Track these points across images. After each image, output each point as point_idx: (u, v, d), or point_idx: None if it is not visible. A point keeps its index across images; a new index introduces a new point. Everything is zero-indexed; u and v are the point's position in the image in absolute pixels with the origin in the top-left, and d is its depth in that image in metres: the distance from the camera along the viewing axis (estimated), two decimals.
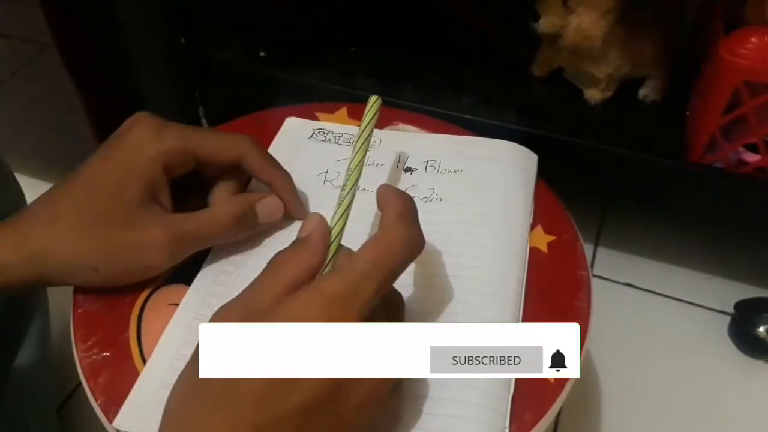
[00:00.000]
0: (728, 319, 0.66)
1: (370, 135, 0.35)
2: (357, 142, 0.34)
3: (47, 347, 0.52)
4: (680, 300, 0.68)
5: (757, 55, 0.50)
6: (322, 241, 0.31)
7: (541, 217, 0.44)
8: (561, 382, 0.35)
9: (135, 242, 0.36)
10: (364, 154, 0.34)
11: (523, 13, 0.61)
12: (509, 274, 0.39)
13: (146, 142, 0.36)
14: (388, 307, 0.32)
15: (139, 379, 0.34)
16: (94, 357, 0.35)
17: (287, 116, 0.51)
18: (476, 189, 0.44)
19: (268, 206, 0.40)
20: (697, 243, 0.71)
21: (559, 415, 0.39)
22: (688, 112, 0.62)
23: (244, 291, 0.29)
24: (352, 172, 0.33)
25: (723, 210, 0.61)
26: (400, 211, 0.31)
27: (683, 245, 0.71)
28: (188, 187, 0.40)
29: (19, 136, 0.76)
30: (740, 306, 0.65)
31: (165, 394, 0.29)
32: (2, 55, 0.68)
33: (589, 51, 0.61)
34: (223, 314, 0.29)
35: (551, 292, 0.40)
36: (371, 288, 0.28)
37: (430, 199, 0.44)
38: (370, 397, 0.28)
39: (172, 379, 0.29)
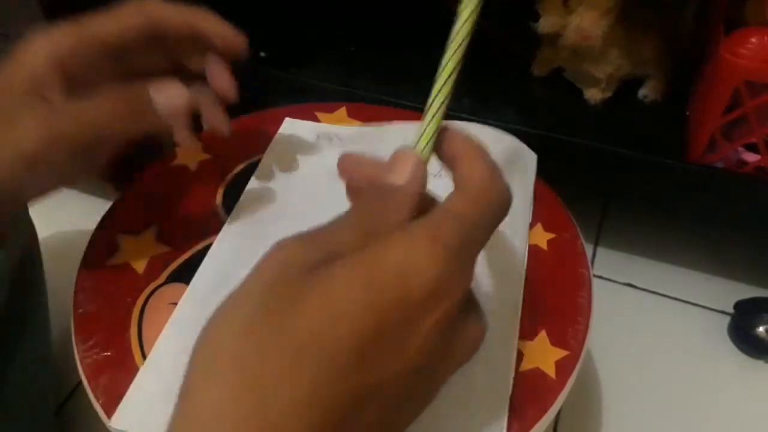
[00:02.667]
0: (728, 319, 0.66)
1: (470, 31, 0.30)
2: (455, 37, 0.30)
3: (47, 347, 0.52)
4: (680, 300, 0.68)
5: (757, 55, 0.51)
6: (419, 193, 0.26)
7: (541, 215, 0.44)
8: (563, 379, 0.35)
9: (7, 135, 0.31)
10: (461, 59, 0.29)
11: (523, 13, 0.61)
12: (509, 272, 0.39)
13: (37, 42, 0.33)
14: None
15: (137, 378, 0.34)
16: (94, 357, 0.35)
17: (287, 116, 0.51)
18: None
19: (166, 89, 0.34)
20: (697, 243, 0.71)
21: (558, 414, 0.39)
22: (688, 112, 0.62)
23: (316, 230, 0.24)
24: (444, 81, 0.29)
25: (723, 210, 0.61)
26: (485, 162, 0.26)
27: (683, 245, 0.72)
28: None
29: None
30: (740, 306, 0.65)
31: (163, 394, 0.28)
32: (2, 55, 0.68)
33: (589, 51, 0.61)
34: (290, 246, 0.23)
35: (552, 290, 0.40)
36: (482, 242, 0.24)
37: (437, 175, 0.44)
38: (460, 365, 0.25)
39: (171, 379, 0.28)
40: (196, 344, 0.22)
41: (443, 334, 0.23)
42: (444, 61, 0.29)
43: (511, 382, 0.35)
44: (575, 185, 0.50)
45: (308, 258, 0.22)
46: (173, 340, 0.36)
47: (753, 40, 0.51)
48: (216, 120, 0.40)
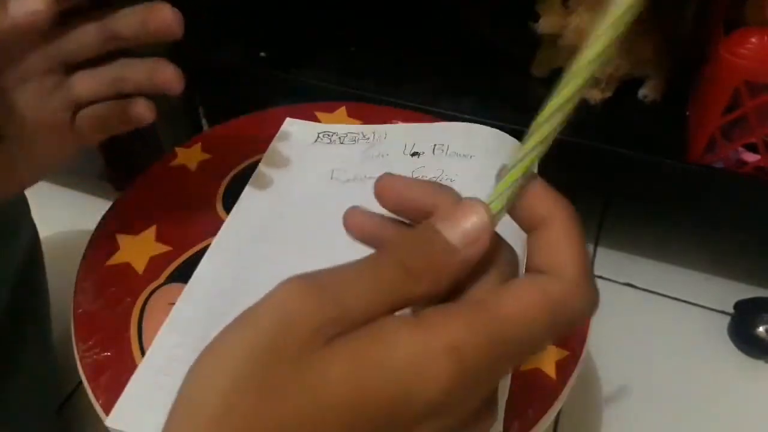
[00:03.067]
0: (728, 319, 0.66)
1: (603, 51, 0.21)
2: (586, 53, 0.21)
3: (49, 348, 0.52)
4: (680, 300, 0.68)
5: (757, 55, 0.51)
6: (474, 262, 0.20)
7: None
8: (563, 379, 0.35)
9: None
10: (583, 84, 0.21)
11: (523, 13, 0.61)
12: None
13: None
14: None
15: (133, 377, 0.34)
16: (94, 357, 0.35)
17: (287, 116, 0.51)
18: (486, 177, 0.44)
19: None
20: (697, 243, 0.71)
21: (559, 414, 0.39)
22: (688, 112, 0.62)
23: (343, 276, 0.19)
24: (554, 112, 0.22)
25: (723, 210, 0.61)
26: (584, 254, 0.21)
27: (683, 245, 0.71)
28: None
29: None
30: (740, 306, 0.65)
31: (159, 393, 0.28)
32: None
33: None
34: (300, 301, 0.19)
35: None
36: (517, 359, 0.20)
37: (439, 179, 0.44)
38: None
39: (167, 378, 0.28)
40: (183, 383, 0.19)
41: None
42: (560, 95, 0.22)
43: (508, 383, 0.34)
44: (575, 185, 0.49)
45: (314, 319, 0.18)
46: (170, 340, 0.36)
47: (753, 40, 0.51)
48: (165, 74, 0.37)
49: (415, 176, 0.42)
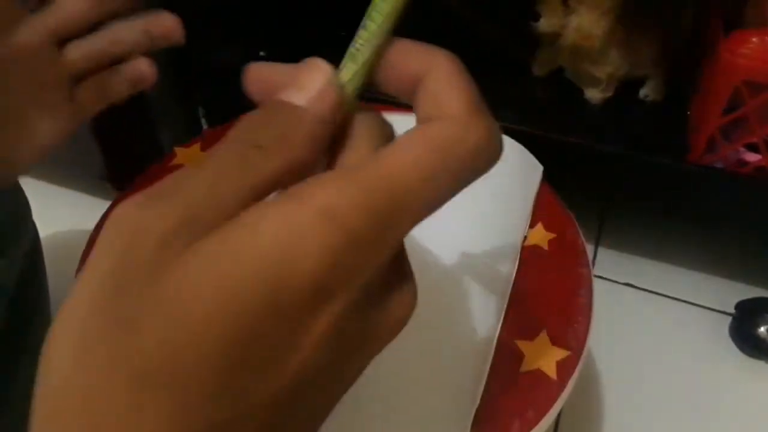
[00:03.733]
0: (729, 319, 0.65)
1: None
2: None
3: None
4: (680, 300, 0.68)
5: (757, 55, 0.50)
6: (326, 122, 0.18)
7: (542, 215, 0.44)
8: (564, 380, 0.35)
9: None
10: None
11: (523, 13, 0.61)
12: (495, 281, 0.39)
13: None
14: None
15: None
16: None
17: None
18: (475, 190, 0.44)
19: None
20: (697, 243, 0.71)
21: (559, 414, 0.39)
22: (688, 112, 0.62)
23: (184, 174, 0.17)
24: None
25: (723, 210, 0.61)
26: (469, 92, 0.19)
27: (683, 245, 0.71)
28: None
29: None
30: (741, 306, 0.65)
31: None
32: None
33: (589, 51, 0.61)
34: (149, 205, 0.16)
35: (552, 289, 0.40)
36: (415, 210, 0.17)
37: None
38: (375, 351, 0.18)
39: None
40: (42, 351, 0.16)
41: (344, 331, 0.16)
42: None
43: (487, 367, 0.34)
44: (575, 185, 0.49)
45: (157, 229, 0.15)
46: None
47: (753, 40, 0.51)
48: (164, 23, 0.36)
49: None
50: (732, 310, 0.65)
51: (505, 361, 0.36)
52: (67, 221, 0.65)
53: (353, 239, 0.15)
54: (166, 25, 0.36)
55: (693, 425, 0.58)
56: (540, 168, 0.47)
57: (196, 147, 0.49)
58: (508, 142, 0.47)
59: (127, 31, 0.36)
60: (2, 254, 0.47)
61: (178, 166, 0.48)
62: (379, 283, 0.17)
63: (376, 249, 0.16)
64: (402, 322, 0.18)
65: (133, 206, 0.16)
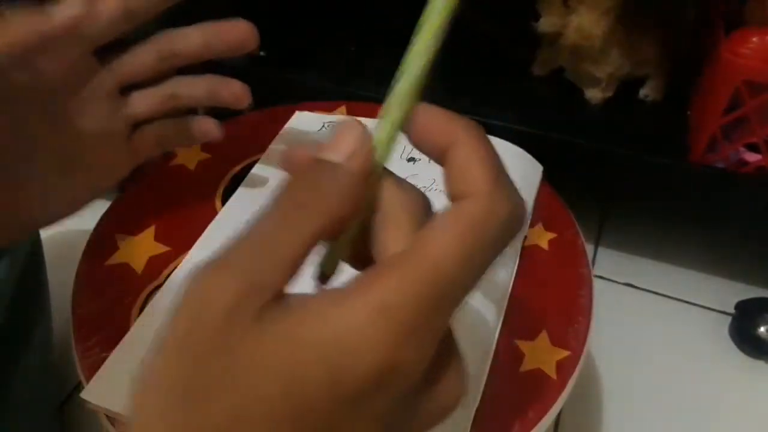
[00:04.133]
0: (729, 319, 0.65)
1: None
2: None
3: (49, 348, 0.52)
4: (680, 300, 0.68)
5: (758, 55, 0.50)
6: (362, 176, 0.20)
7: (542, 214, 0.44)
8: (563, 380, 0.35)
9: None
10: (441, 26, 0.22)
11: (523, 13, 0.61)
12: (494, 281, 0.39)
13: None
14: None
15: (111, 355, 0.35)
16: (94, 357, 0.35)
17: (286, 115, 0.52)
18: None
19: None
20: (697, 243, 0.71)
21: (559, 414, 0.39)
22: (688, 112, 0.62)
23: (244, 247, 0.18)
24: (419, 50, 0.22)
25: (723, 210, 0.61)
26: (493, 166, 0.19)
27: (683, 245, 0.71)
28: None
29: None
30: (741, 306, 0.65)
31: (135, 372, 0.29)
32: None
33: (589, 51, 0.61)
34: (216, 282, 0.18)
35: (552, 289, 0.40)
36: (460, 294, 0.18)
37: (429, 189, 0.44)
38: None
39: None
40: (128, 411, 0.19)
41: (394, 414, 0.18)
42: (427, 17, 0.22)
43: (485, 374, 0.34)
44: (575, 185, 0.49)
45: (224, 299, 0.17)
46: (149, 322, 0.36)
47: (753, 40, 0.51)
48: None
49: None
50: (732, 310, 0.65)
51: (505, 360, 0.36)
52: (67, 221, 0.65)
53: (406, 332, 0.17)
54: (233, 91, 0.39)
55: (693, 425, 0.58)
56: (540, 168, 0.47)
57: (196, 147, 0.49)
58: (506, 143, 0.47)
59: (193, 88, 0.39)
60: (2, 254, 0.47)
61: (179, 166, 0.48)
62: (424, 378, 0.18)
63: (426, 336, 0.18)
64: (449, 409, 0.20)
65: (200, 278, 0.18)
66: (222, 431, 0.17)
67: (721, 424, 0.58)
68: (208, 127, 0.40)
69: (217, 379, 0.17)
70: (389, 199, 0.20)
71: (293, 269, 0.18)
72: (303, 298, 0.18)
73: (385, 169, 0.21)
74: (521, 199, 0.19)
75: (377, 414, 0.17)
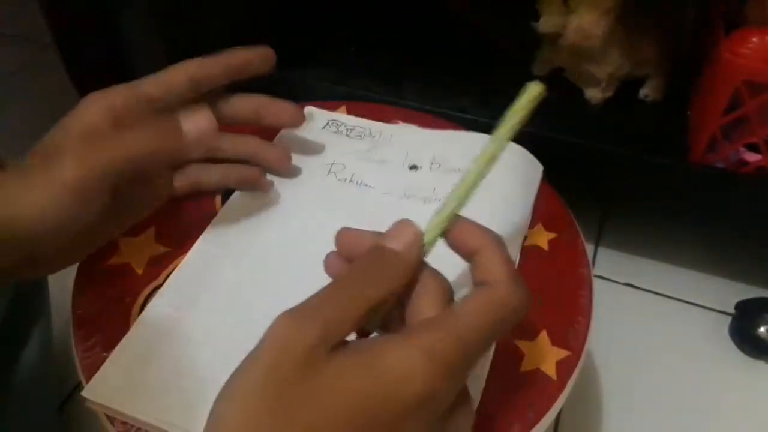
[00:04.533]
0: (729, 319, 0.65)
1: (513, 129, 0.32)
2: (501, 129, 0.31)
3: (49, 350, 0.52)
4: (680, 300, 0.68)
5: (758, 55, 0.50)
6: (416, 263, 0.26)
7: (542, 214, 0.44)
8: (563, 380, 0.35)
9: (52, 171, 0.31)
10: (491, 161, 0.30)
11: (523, 13, 0.61)
12: None
13: (91, 98, 0.36)
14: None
15: (111, 356, 0.35)
16: (94, 357, 0.35)
17: None
18: (478, 192, 0.44)
19: (192, 115, 0.40)
20: (697, 243, 0.71)
21: (559, 414, 0.39)
22: (688, 112, 0.62)
23: (319, 302, 0.25)
24: (467, 184, 0.29)
25: (723, 210, 0.61)
26: (511, 265, 0.27)
27: (683, 245, 0.71)
28: None
29: (19, 136, 0.76)
30: (741, 306, 0.65)
31: (134, 373, 0.32)
32: (2, 55, 0.68)
33: (589, 51, 0.61)
34: (296, 328, 0.23)
35: (552, 290, 0.40)
36: (479, 353, 0.25)
37: (429, 199, 0.44)
38: None
39: (141, 363, 0.32)
40: (208, 421, 0.23)
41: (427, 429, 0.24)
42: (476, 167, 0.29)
43: (481, 390, 0.34)
44: (575, 185, 0.49)
45: (305, 341, 0.23)
46: (149, 322, 0.37)
47: (753, 40, 0.51)
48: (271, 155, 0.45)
49: (407, 194, 0.43)
50: (732, 310, 0.65)
51: (505, 361, 0.36)
52: None
53: (446, 372, 0.23)
54: (274, 156, 0.45)
55: (692, 425, 0.58)
56: (540, 168, 0.47)
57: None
58: (510, 143, 0.47)
59: (236, 146, 0.44)
60: None
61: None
62: (451, 404, 0.24)
63: (459, 377, 0.24)
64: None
65: (285, 323, 0.24)
66: None
67: (721, 424, 0.58)
68: (250, 175, 0.44)
69: (299, 400, 0.22)
70: (427, 278, 0.27)
71: (357, 324, 0.24)
72: (366, 340, 0.25)
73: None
74: (528, 292, 0.26)
75: (419, 427, 0.23)
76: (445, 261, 0.28)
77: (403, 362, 0.23)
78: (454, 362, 0.23)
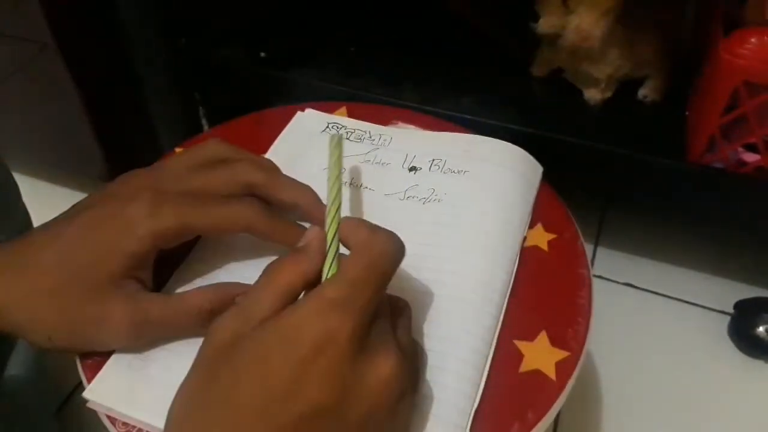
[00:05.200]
0: (728, 319, 0.66)
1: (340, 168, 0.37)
2: (330, 176, 0.36)
3: (42, 352, 0.51)
4: (680, 300, 0.68)
5: (757, 55, 0.51)
6: (319, 249, 0.31)
7: (541, 215, 0.44)
8: (563, 380, 0.35)
9: (93, 318, 0.33)
10: (340, 185, 0.35)
11: (523, 13, 0.61)
12: (494, 284, 0.39)
13: (141, 219, 0.33)
14: (395, 314, 0.32)
15: (114, 355, 0.35)
16: (94, 357, 0.35)
17: (286, 116, 0.52)
18: (475, 193, 0.44)
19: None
20: (697, 243, 0.71)
21: (559, 414, 0.39)
22: (687, 112, 0.62)
23: (242, 299, 0.30)
24: (333, 185, 0.35)
25: (723, 210, 0.61)
26: (366, 227, 0.32)
27: (683, 245, 0.72)
28: None
29: (19, 136, 0.76)
30: (740, 306, 0.65)
31: (137, 372, 0.33)
32: (2, 55, 0.68)
33: (588, 51, 0.61)
34: (222, 323, 0.29)
35: (552, 290, 0.40)
36: (368, 291, 0.28)
37: (429, 200, 0.44)
38: (377, 406, 0.28)
39: (144, 359, 0.33)
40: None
41: (335, 376, 0.27)
42: (330, 190, 0.34)
43: (478, 394, 0.34)
44: (575, 185, 0.50)
45: (236, 330, 0.28)
46: None
47: (753, 40, 0.51)
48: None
49: (407, 195, 0.43)
50: (731, 310, 0.66)
51: (505, 361, 0.36)
52: None
53: (336, 307, 0.28)
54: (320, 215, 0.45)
55: (692, 424, 0.58)
56: (540, 169, 0.47)
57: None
58: (507, 144, 0.47)
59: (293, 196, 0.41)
60: None
61: None
62: (355, 348, 0.28)
63: (351, 311, 0.28)
64: (385, 382, 0.28)
65: (218, 320, 0.29)
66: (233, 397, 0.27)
67: (720, 423, 0.58)
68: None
69: (224, 372, 0.28)
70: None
71: (275, 305, 0.29)
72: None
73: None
74: (389, 236, 0.31)
75: (323, 372, 0.27)
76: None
77: (299, 314, 0.28)
78: (340, 298, 0.27)
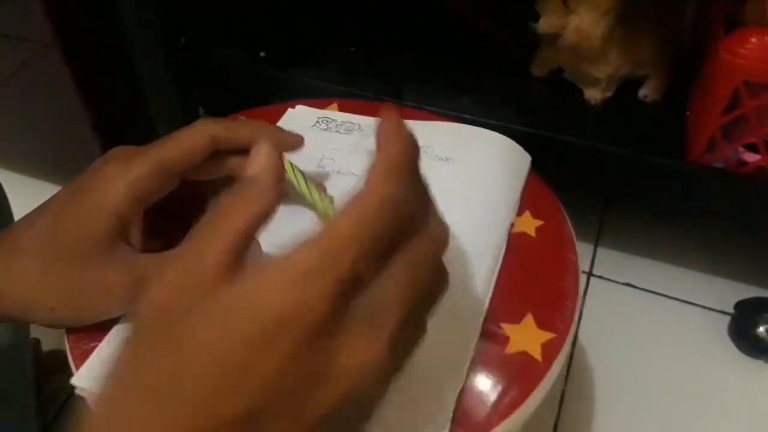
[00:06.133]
0: (728, 318, 0.66)
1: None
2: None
3: (22, 353, 0.51)
4: (680, 300, 0.68)
5: (757, 56, 0.51)
6: (274, 179, 0.25)
7: (529, 203, 0.44)
8: (549, 361, 0.35)
9: (89, 285, 0.33)
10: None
11: (523, 13, 0.61)
12: (479, 268, 0.39)
13: (114, 174, 0.34)
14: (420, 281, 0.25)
15: (102, 342, 0.35)
16: (84, 347, 0.36)
17: (277, 113, 0.52)
18: (461, 180, 0.44)
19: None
20: (697, 243, 0.71)
21: (558, 414, 0.39)
22: (688, 112, 0.62)
23: (182, 250, 0.24)
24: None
25: (723, 210, 0.61)
26: (391, 162, 0.26)
27: (683, 245, 0.71)
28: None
29: (19, 136, 0.76)
30: (740, 306, 0.65)
31: None
32: (2, 55, 0.68)
33: (588, 51, 0.61)
34: (164, 278, 0.23)
35: (539, 274, 0.40)
36: (349, 259, 0.22)
37: (446, 158, 0.45)
38: (341, 402, 0.22)
39: None
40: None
41: (301, 361, 0.22)
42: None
43: (460, 386, 0.34)
44: (575, 185, 0.50)
45: (181, 290, 0.23)
46: None
47: (753, 40, 0.51)
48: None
49: None
50: (731, 310, 0.65)
51: (491, 343, 0.36)
52: None
53: (304, 277, 0.22)
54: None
55: (692, 424, 0.58)
56: (528, 158, 0.47)
57: None
58: (494, 133, 0.47)
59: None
60: None
61: None
62: (327, 329, 0.22)
63: (324, 286, 0.22)
64: (361, 367, 0.23)
65: (160, 276, 0.23)
66: (163, 381, 0.22)
67: (720, 423, 0.58)
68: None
69: (164, 341, 0.22)
70: None
71: (230, 253, 0.23)
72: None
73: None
74: (411, 192, 0.26)
75: (284, 355, 0.21)
76: None
77: (263, 280, 0.22)
78: (315, 267, 0.22)
